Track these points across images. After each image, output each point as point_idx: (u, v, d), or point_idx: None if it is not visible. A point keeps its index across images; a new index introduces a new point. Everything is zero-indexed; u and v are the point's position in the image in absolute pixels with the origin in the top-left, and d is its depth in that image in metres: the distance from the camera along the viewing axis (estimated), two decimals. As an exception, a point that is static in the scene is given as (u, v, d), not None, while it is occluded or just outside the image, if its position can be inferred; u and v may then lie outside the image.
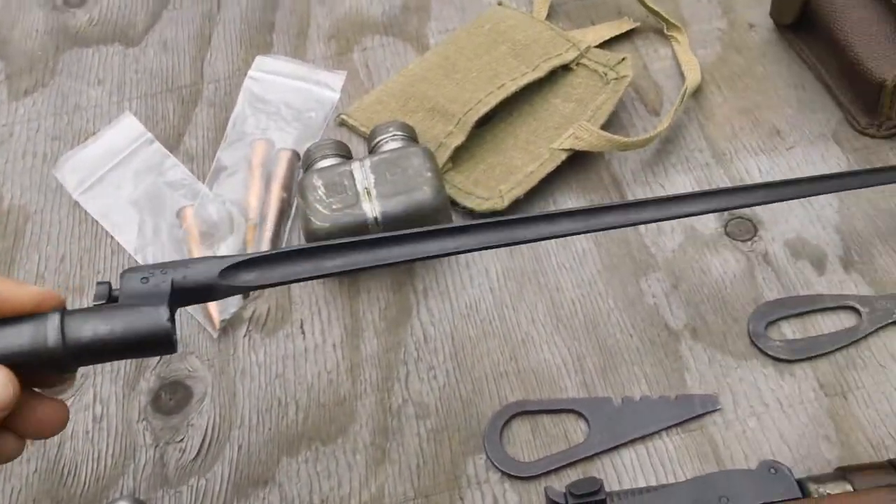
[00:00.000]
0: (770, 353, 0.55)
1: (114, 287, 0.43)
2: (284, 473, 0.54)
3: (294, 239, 0.65)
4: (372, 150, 0.65)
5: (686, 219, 0.62)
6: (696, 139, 0.67)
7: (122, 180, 0.70)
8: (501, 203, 0.63)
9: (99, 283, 0.43)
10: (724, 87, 0.70)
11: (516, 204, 0.64)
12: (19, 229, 0.68)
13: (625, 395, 0.55)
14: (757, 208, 0.62)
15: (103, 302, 0.42)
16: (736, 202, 0.54)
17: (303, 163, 0.65)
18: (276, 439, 0.55)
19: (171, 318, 0.42)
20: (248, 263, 0.45)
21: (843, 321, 0.56)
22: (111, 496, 0.53)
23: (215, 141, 0.72)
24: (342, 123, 0.72)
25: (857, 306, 0.56)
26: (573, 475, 0.52)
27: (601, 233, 0.63)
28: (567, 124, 0.67)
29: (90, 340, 0.40)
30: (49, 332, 0.40)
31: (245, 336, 0.60)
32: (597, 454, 0.52)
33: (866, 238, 0.60)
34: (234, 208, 0.66)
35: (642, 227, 0.63)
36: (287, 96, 0.74)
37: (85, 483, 0.54)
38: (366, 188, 0.60)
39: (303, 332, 0.60)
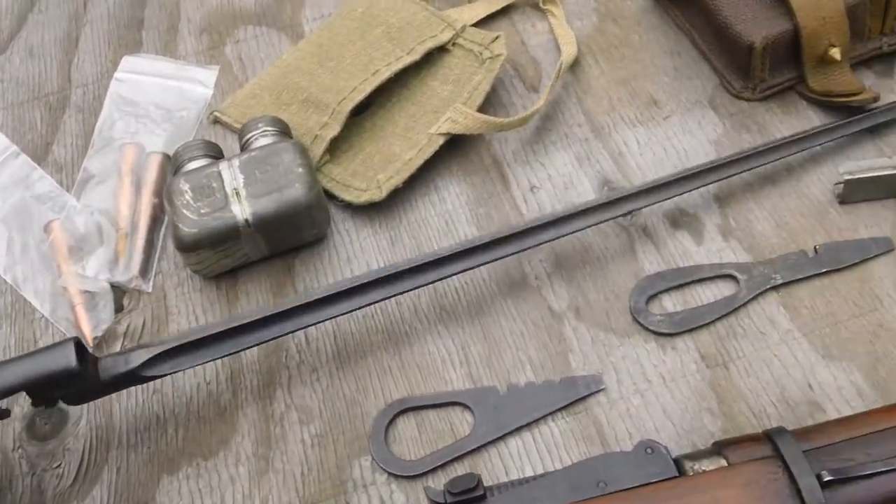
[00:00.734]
0: (651, 327, 0.55)
1: None
2: (165, 493, 0.52)
3: (169, 245, 0.63)
4: (243, 148, 0.63)
5: (567, 195, 0.62)
6: (574, 114, 0.66)
7: (-12, 196, 0.67)
8: (379, 194, 0.62)
9: None
10: (602, 59, 0.70)
11: (395, 193, 0.62)
12: None
13: (510, 382, 0.54)
14: (636, 180, 0.62)
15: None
16: (624, 209, 0.57)
17: (172, 165, 0.62)
18: (157, 458, 0.53)
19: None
20: (165, 355, 0.50)
21: (723, 290, 0.56)
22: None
23: (84, 148, 0.69)
24: (216, 121, 0.70)
25: (736, 274, 0.56)
26: (460, 469, 0.51)
27: (483, 216, 0.62)
28: (445, 107, 0.66)
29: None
30: None
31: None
32: (483, 446, 0.52)
33: (744, 204, 0.60)
34: (102, 218, 0.63)
35: (524, 207, 0.62)
36: (157, 96, 0.71)
37: (-45, 521, 0.52)
38: (235, 189, 0.58)
39: (181, 343, 0.58)
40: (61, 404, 0.54)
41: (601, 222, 0.58)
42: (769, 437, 0.45)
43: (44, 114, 0.72)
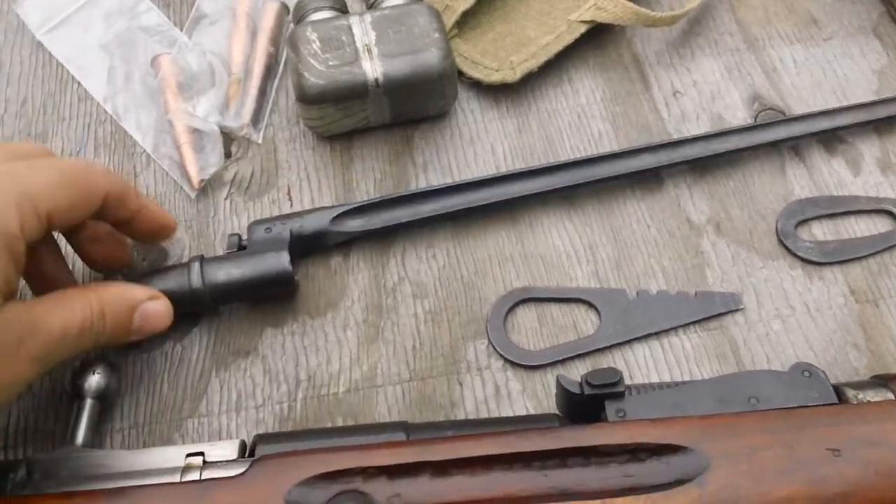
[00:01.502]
0: (799, 254, 0.51)
1: (243, 238, 0.50)
2: (269, 346, 0.49)
3: (281, 99, 0.59)
4: (371, 6, 0.58)
5: (713, 106, 0.58)
6: (726, 22, 0.62)
7: (91, 22, 0.63)
8: (513, 75, 0.58)
9: (230, 235, 0.50)
10: (759, -30, 0.65)
11: (526, 78, 0.58)
12: None
13: (640, 288, 0.50)
14: (791, 101, 0.58)
15: (235, 250, 0.50)
16: (780, 135, 0.55)
17: (293, 15, 0.58)
18: (260, 309, 0.50)
19: (292, 262, 0.48)
20: (356, 211, 0.52)
21: (878, 225, 0.52)
22: (79, 357, 0.48)
23: (197, -14, 0.64)
24: (340, -23, 0.65)
25: (894, 210, 0.52)
26: (581, 367, 0.48)
27: (620, 115, 0.58)
28: (587, -5, 0.61)
29: (225, 282, 0.47)
30: (192, 277, 0.47)
31: (227, 199, 0.55)
32: (608, 347, 0.49)
33: (904, 140, 0.56)
34: (215, 59, 0.59)
35: (665, 111, 0.58)
36: (278, -58, 0.66)
37: (42, 345, 0.49)
38: (366, 45, 0.54)
39: (290, 199, 0.55)
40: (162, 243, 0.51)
41: (755, 146, 0.54)
42: (936, 378, 0.42)
43: (153, -54, 0.67)
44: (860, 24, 0.61)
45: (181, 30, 0.62)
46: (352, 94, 0.53)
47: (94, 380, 0.44)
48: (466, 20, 0.61)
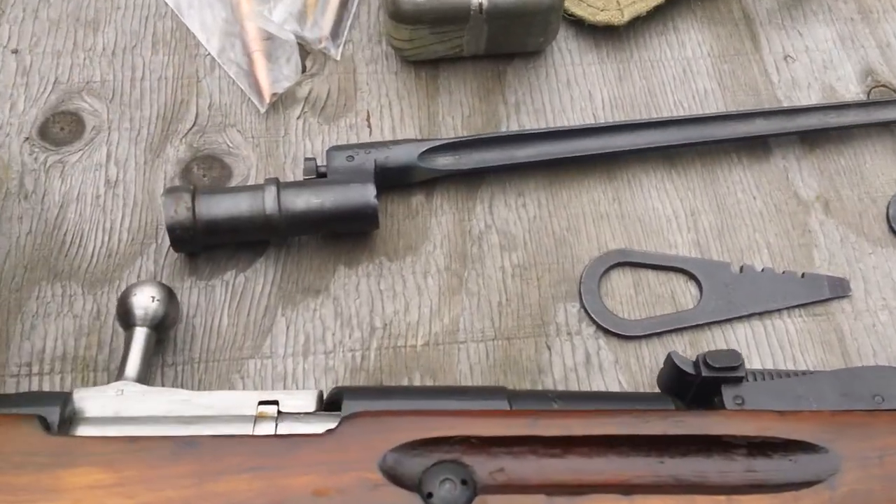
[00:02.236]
0: (912, 243, 0.48)
1: (319, 163, 0.46)
2: (341, 286, 0.45)
3: (363, 13, 0.54)
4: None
5: (825, 76, 0.54)
6: (842, -13, 0.58)
7: None
8: (620, 17, 0.53)
9: (307, 159, 0.45)
10: (878, -66, 0.60)
11: (632, 22, 0.54)
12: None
13: (744, 262, 0.47)
14: (907, 79, 0.54)
15: (313, 176, 0.45)
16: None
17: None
18: (333, 245, 0.46)
19: (377, 196, 0.44)
20: (446, 147, 0.47)
21: None
22: (126, 278, 0.44)
23: None
24: None
25: None
26: (679, 343, 0.45)
27: (727, 73, 0.53)
28: (700, -60, 0.57)
29: (303, 211, 0.43)
30: (267, 201, 0.42)
31: (299, 118, 0.50)
32: (708, 324, 0.45)
33: None
34: (295, -38, 0.54)
35: (776, 76, 0.54)
36: None
37: (93, 257, 0.45)
38: (472, -35, 0.49)
39: (369, 126, 0.50)
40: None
41: (869, 125, 0.50)
42: None
43: None
44: (984, 4, 0.57)
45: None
46: (451, 18, 0.48)
47: (152, 307, 0.40)
48: (569, -48, 0.56)
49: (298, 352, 0.43)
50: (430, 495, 0.33)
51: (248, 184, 0.47)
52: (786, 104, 0.52)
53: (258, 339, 0.43)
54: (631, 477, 0.35)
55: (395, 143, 0.47)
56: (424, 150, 0.47)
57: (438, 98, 0.51)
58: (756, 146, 0.51)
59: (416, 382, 0.43)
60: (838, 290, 0.46)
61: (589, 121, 0.51)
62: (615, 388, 0.43)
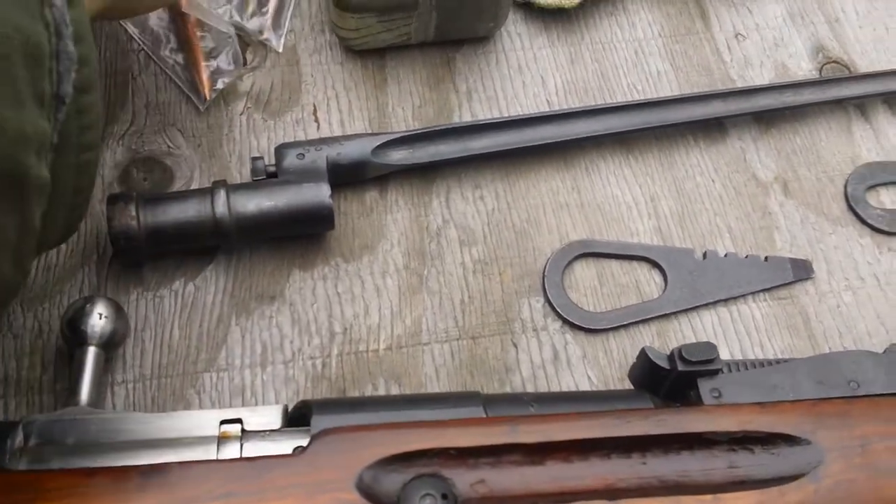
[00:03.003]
0: (870, 221, 0.48)
1: (268, 162, 0.43)
2: (297, 290, 0.43)
3: (304, 2, 0.51)
4: None
5: (777, 54, 0.53)
6: (788, -38, 0.57)
7: None
8: (571, 0, 0.52)
9: (254, 159, 0.43)
10: None
11: (584, 3, 0.52)
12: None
13: (707, 248, 0.46)
14: (854, 55, 0.54)
15: (263, 177, 0.42)
16: (851, 92, 0.51)
17: None
18: (286, 248, 0.44)
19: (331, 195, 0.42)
20: (400, 141, 0.45)
21: (950, 197, 0.49)
22: (68, 292, 0.41)
23: None
24: None
25: (966, 182, 0.49)
26: (646, 334, 0.44)
27: (679, 54, 0.53)
28: (645, -83, 0.55)
29: (255, 214, 0.41)
30: (217, 206, 0.40)
31: (242, 114, 0.47)
32: (674, 313, 0.44)
33: (971, 107, 0.53)
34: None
35: (727, 55, 0.53)
36: None
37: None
38: (418, -51, 0.47)
39: (316, 121, 0.48)
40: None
41: (825, 102, 0.50)
42: None
43: None
44: (924, -22, 0.57)
45: None
46: (399, 5, 0.46)
47: (100, 324, 0.37)
48: (511, -69, 0.54)
49: (256, 362, 0.41)
50: (410, 512, 0.31)
51: (192, 186, 0.45)
52: (739, 83, 0.52)
53: (212, 350, 0.41)
54: (615, 480, 0.34)
55: (347, 138, 0.45)
56: (378, 144, 0.45)
57: (387, 88, 0.49)
58: (712, 128, 0.50)
59: (381, 388, 0.41)
60: (801, 272, 0.46)
61: (543, 106, 0.50)
62: (584, 384, 0.42)
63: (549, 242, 0.46)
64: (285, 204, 0.41)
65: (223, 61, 0.48)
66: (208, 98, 0.47)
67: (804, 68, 0.53)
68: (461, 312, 0.43)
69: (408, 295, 0.43)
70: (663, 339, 0.44)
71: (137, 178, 0.44)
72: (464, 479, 0.33)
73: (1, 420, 0.37)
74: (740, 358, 0.43)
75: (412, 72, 0.50)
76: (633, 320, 0.44)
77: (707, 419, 0.35)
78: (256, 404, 0.39)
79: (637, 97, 0.51)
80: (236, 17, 0.48)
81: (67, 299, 0.41)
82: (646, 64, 0.52)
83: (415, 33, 0.49)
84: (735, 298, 0.45)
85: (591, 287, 0.45)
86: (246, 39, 0.49)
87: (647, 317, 0.44)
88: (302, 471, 0.32)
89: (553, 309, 0.44)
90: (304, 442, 0.33)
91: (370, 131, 0.48)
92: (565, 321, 0.43)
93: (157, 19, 0.49)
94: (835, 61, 0.53)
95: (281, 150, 0.44)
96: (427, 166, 0.46)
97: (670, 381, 0.37)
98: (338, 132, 0.47)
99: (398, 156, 0.45)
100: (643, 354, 0.38)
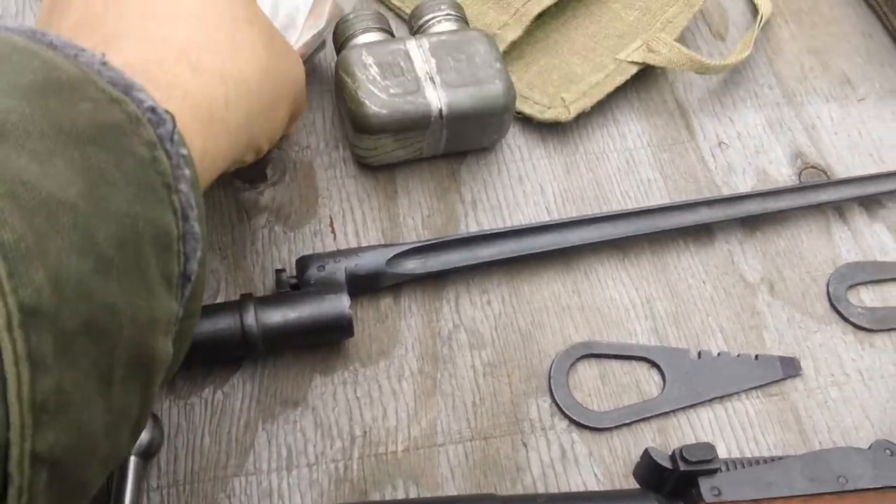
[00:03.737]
0: (852, 319, 0.51)
1: (289, 274, 0.47)
2: (318, 395, 0.45)
3: (318, 120, 0.55)
4: (418, 31, 0.55)
5: (758, 160, 0.57)
6: (764, 74, 0.62)
7: None
8: (567, 114, 0.56)
9: (278, 271, 0.47)
10: (792, 23, 0.65)
11: (580, 117, 0.56)
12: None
13: (701, 348, 0.49)
14: (831, 160, 0.58)
15: (286, 289, 0.46)
16: (833, 196, 0.55)
17: (337, 36, 0.54)
18: (307, 355, 0.47)
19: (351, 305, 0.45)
20: (412, 252, 0.49)
21: (925, 294, 0.53)
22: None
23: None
24: (374, -7, 0.62)
25: (939, 280, 0.53)
26: (647, 431, 0.47)
27: (667, 162, 0.56)
28: (632, 34, 0.60)
29: (280, 325, 0.44)
30: (246, 319, 0.43)
31: (265, 227, 0.51)
32: (673, 411, 0.47)
33: (941, 208, 0.57)
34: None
35: (712, 162, 0.57)
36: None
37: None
38: (427, 73, 0.51)
39: (333, 231, 0.51)
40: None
41: (805, 206, 0.54)
42: None
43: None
44: (892, 88, 0.62)
45: None
46: (414, 126, 0.50)
47: (141, 435, 0.40)
48: (510, 51, 0.58)
49: (282, 466, 0.43)
50: None
51: (219, 298, 0.47)
52: (724, 189, 0.56)
53: (241, 455, 0.43)
54: (624, 579, 0.36)
55: (363, 249, 0.48)
56: (392, 255, 0.48)
57: (398, 199, 0.53)
58: (700, 233, 0.53)
59: (400, 489, 0.43)
60: (790, 369, 0.49)
61: (542, 213, 0.53)
62: (591, 481, 0.44)
63: (553, 344, 0.49)
64: (308, 315, 0.44)
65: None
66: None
67: (784, 174, 0.57)
68: (473, 414, 0.46)
69: (423, 398, 0.46)
70: (664, 436, 0.46)
71: (167, 290, 0.47)
72: (485, 581, 0.35)
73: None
74: (737, 455, 0.46)
75: (420, 183, 0.53)
76: (635, 419, 0.47)
77: (709, 519, 0.38)
78: (284, 508, 0.42)
79: (630, 203, 0.54)
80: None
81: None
82: (637, 172, 0.56)
83: (426, 149, 0.53)
84: (730, 396, 0.48)
85: (594, 387, 0.48)
86: (265, 157, 0.53)
87: (648, 415, 0.47)
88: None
89: (559, 409, 0.46)
90: (335, 546, 0.35)
91: (383, 240, 0.51)
92: (571, 420, 0.46)
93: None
94: (812, 166, 0.57)
95: (302, 263, 0.47)
96: (437, 274, 0.49)
97: (673, 480, 0.40)
98: (353, 242, 0.51)
99: (411, 265, 0.48)
100: (647, 455, 0.41)
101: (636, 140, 0.57)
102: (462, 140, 0.53)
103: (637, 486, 0.42)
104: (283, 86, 0.41)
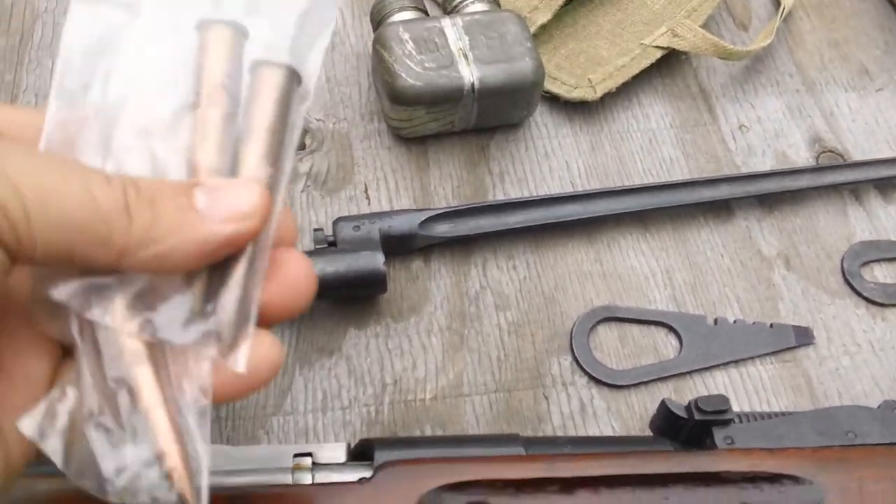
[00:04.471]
0: (864, 294, 0.53)
1: (327, 234, 0.49)
2: (352, 346, 0.48)
3: (354, 94, 0.58)
4: (451, 10, 0.58)
5: (777, 143, 0.59)
6: (785, 62, 0.64)
7: None
8: (593, 94, 0.58)
9: (316, 230, 0.48)
10: (813, 15, 0.67)
11: (601, 98, 0.59)
12: (26, 30, 0.57)
13: (717, 315, 0.51)
14: (848, 145, 0.60)
15: (324, 246, 0.48)
16: (849, 178, 0.57)
17: (374, 14, 0.57)
18: (342, 309, 0.49)
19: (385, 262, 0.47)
20: (443, 216, 0.51)
21: (937, 272, 0.55)
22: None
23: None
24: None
25: (951, 259, 0.55)
26: (664, 390, 0.49)
27: (689, 143, 0.59)
28: (657, 21, 0.62)
29: (318, 278, 0.43)
30: None
31: (303, 191, 0.53)
32: (689, 372, 0.49)
33: (954, 193, 0.59)
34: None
35: (732, 144, 0.59)
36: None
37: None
38: (461, 49, 0.53)
39: (367, 198, 0.54)
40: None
41: (822, 187, 0.56)
42: None
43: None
44: (910, 78, 0.64)
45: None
46: (447, 98, 0.52)
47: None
48: (540, 35, 0.61)
49: (317, 408, 0.46)
50: (460, 538, 0.36)
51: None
52: (743, 169, 0.58)
53: (279, 397, 0.46)
54: (640, 512, 0.38)
55: (396, 213, 0.51)
56: (424, 218, 0.50)
57: (429, 171, 0.55)
58: (720, 209, 0.56)
59: (427, 432, 0.46)
60: (803, 338, 0.51)
61: (567, 188, 0.56)
62: (609, 433, 0.47)
63: (575, 307, 0.51)
64: (345, 269, 0.47)
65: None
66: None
67: (802, 157, 0.59)
68: (497, 368, 0.48)
69: (450, 352, 0.48)
70: (679, 396, 0.48)
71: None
72: (508, 509, 0.37)
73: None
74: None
75: (451, 156, 0.56)
76: (653, 378, 0.49)
77: (721, 461, 0.40)
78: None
79: (651, 180, 0.56)
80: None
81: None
82: (659, 151, 0.58)
83: (458, 122, 0.55)
84: (744, 360, 0.50)
85: (613, 348, 0.50)
86: (305, 126, 0.55)
87: (665, 375, 0.49)
88: (368, 495, 0.37)
89: (580, 366, 0.49)
90: (368, 474, 0.38)
91: (415, 207, 0.53)
92: (591, 377, 0.48)
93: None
94: (830, 150, 0.59)
95: (339, 223, 0.49)
96: (466, 239, 0.51)
97: (688, 429, 0.42)
98: (386, 207, 0.53)
99: (442, 228, 0.51)
100: (663, 405, 0.43)
101: (659, 121, 0.60)
102: (492, 115, 0.55)
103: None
104: None
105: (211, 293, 0.28)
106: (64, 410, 0.27)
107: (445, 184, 0.55)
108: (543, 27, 0.60)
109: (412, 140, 0.56)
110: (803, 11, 0.67)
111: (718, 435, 0.42)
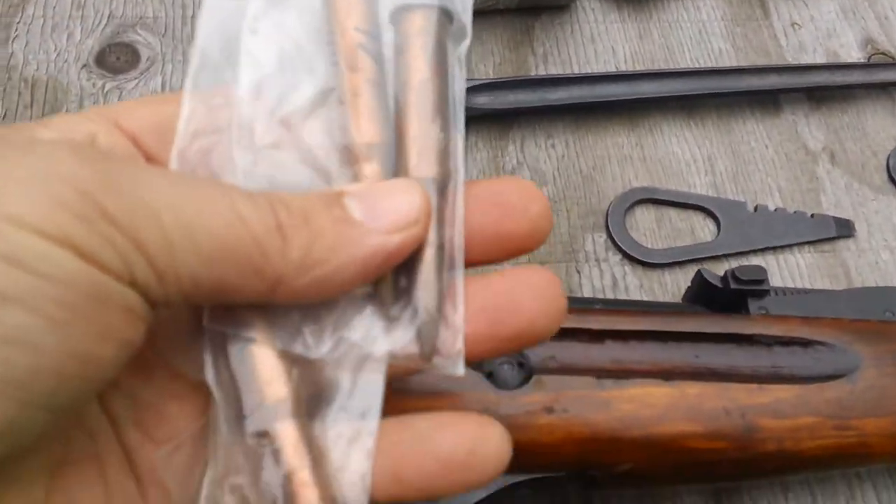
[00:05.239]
0: (909, 191, 0.52)
1: None
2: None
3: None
4: None
5: (829, 43, 0.58)
6: (843, -36, 0.62)
7: None
8: (642, -21, 0.57)
9: None
10: (875, -80, 0.65)
11: (652, -15, 0.57)
12: None
13: (758, 203, 0.50)
14: (903, 48, 0.58)
15: None
16: None
17: None
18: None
19: None
20: (483, 87, 0.50)
21: None
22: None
23: None
24: None
25: None
26: (699, 272, 0.48)
27: (740, 36, 0.57)
28: (713, -84, 0.60)
29: None
30: None
31: (343, 58, 0.53)
32: (725, 255, 0.48)
33: None
34: None
35: (784, 40, 0.58)
36: None
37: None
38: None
39: (407, 69, 0.53)
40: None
41: (870, 85, 0.54)
42: None
43: None
44: (972, -14, 0.62)
45: None
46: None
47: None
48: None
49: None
50: (490, 374, 0.36)
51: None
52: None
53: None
54: (669, 366, 0.38)
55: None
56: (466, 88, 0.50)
57: (471, 46, 0.54)
58: (767, 102, 0.54)
59: (457, 298, 0.45)
60: (844, 230, 0.50)
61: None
62: (641, 309, 0.46)
63: (612, 188, 0.50)
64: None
65: None
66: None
67: (853, 56, 0.57)
68: (531, 240, 0.48)
69: (484, 221, 0.48)
70: (714, 278, 0.48)
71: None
72: (536, 354, 0.37)
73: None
74: (785, 298, 0.47)
75: (494, 35, 0.55)
76: (688, 258, 0.48)
77: (755, 325, 0.39)
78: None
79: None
80: None
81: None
82: (708, 42, 0.57)
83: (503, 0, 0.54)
84: (782, 248, 0.49)
85: (649, 228, 0.49)
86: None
87: (701, 256, 0.48)
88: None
89: (614, 244, 0.48)
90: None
91: (456, 81, 0.53)
92: (625, 255, 0.48)
93: None
94: (882, 52, 0.58)
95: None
96: (505, 113, 0.51)
97: (723, 298, 0.41)
98: (426, 80, 0.52)
99: (481, 101, 0.50)
100: (699, 275, 0.42)
101: (710, 13, 0.58)
102: (539, -8, 0.54)
103: (686, 307, 0.43)
104: None
105: (400, 291, 0.24)
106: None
107: (487, 61, 0.54)
108: (595, -86, 0.59)
109: (455, 17, 0.55)
110: (865, -85, 0.65)
111: (753, 305, 0.41)
